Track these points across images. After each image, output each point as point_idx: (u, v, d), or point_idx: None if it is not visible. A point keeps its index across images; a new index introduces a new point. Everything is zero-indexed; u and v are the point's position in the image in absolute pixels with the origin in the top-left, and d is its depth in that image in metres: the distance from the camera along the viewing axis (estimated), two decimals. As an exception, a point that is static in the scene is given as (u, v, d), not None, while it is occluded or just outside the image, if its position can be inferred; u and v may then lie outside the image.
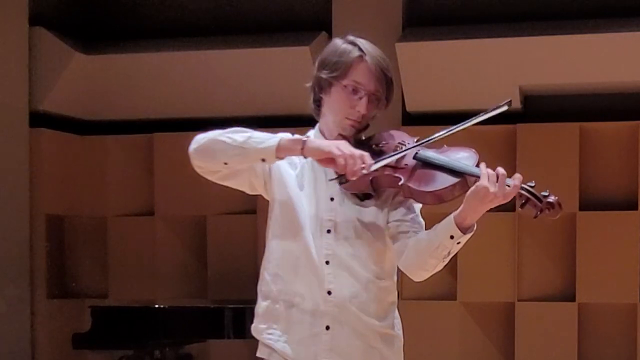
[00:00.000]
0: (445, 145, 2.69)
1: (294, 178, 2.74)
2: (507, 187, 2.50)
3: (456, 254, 2.63)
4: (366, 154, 2.58)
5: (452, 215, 2.55)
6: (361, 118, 2.72)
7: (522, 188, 2.51)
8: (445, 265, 2.68)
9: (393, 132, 2.79)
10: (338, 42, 2.77)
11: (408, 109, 6.48)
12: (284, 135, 2.65)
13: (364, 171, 2.56)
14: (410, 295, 6.27)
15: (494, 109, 2.61)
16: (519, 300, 6.42)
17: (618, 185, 6.38)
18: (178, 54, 6.62)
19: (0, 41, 6.30)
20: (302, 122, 2.89)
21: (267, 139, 2.61)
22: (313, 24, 6.57)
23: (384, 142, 2.73)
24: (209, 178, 2.74)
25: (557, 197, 2.52)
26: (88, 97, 6.82)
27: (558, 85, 6.38)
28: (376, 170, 2.61)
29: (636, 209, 6.26)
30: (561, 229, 6.36)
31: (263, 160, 2.63)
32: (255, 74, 6.52)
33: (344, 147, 2.57)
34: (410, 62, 6.23)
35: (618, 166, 6.38)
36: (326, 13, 6.57)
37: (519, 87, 6.27)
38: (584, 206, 6.34)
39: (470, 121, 2.64)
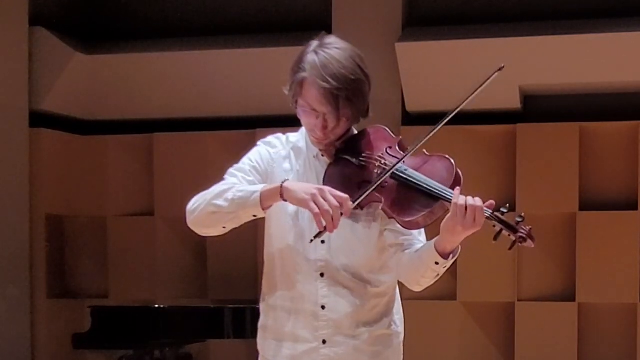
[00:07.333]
0: (425, 152, 2.62)
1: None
2: (475, 217, 2.44)
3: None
4: (345, 198, 2.46)
5: (433, 243, 2.53)
6: (324, 137, 2.63)
7: (495, 218, 2.46)
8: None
9: (374, 134, 2.69)
10: (301, 53, 2.64)
11: (408, 109, 6.47)
12: (260, 188, 2.56)
13: (344, 216, 2.47)
14: (410, 295, 6.23)
15: (486, 80, 2.58)
16: (519, 300, 6.42)
17: (618, 185, 6.38)
18: (178, 54, 6.62)
19: (0, 41, 6.30)
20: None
21: (248, 197, 2.54)
22: (313, 24, 6.56)
23: (365, 154, 2.65)
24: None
25: (530, 227, 2.48)
26: (88, 97, 6.82)
27: (558, 85, 6.37)
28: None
29: (636, 209, 6.26)
30: (561, 229, 6.36)
31: (254, 216, 2.59)
32: (255, 74, 6.51)
33: (320, 201, 2.44)
34: (410, 62, 6.23)
35: (618, 166, 6.37)
36: (326, 13, 6.57)
37: (519, 87, 6.27)
38: (584, 206, 6.34)
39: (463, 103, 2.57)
